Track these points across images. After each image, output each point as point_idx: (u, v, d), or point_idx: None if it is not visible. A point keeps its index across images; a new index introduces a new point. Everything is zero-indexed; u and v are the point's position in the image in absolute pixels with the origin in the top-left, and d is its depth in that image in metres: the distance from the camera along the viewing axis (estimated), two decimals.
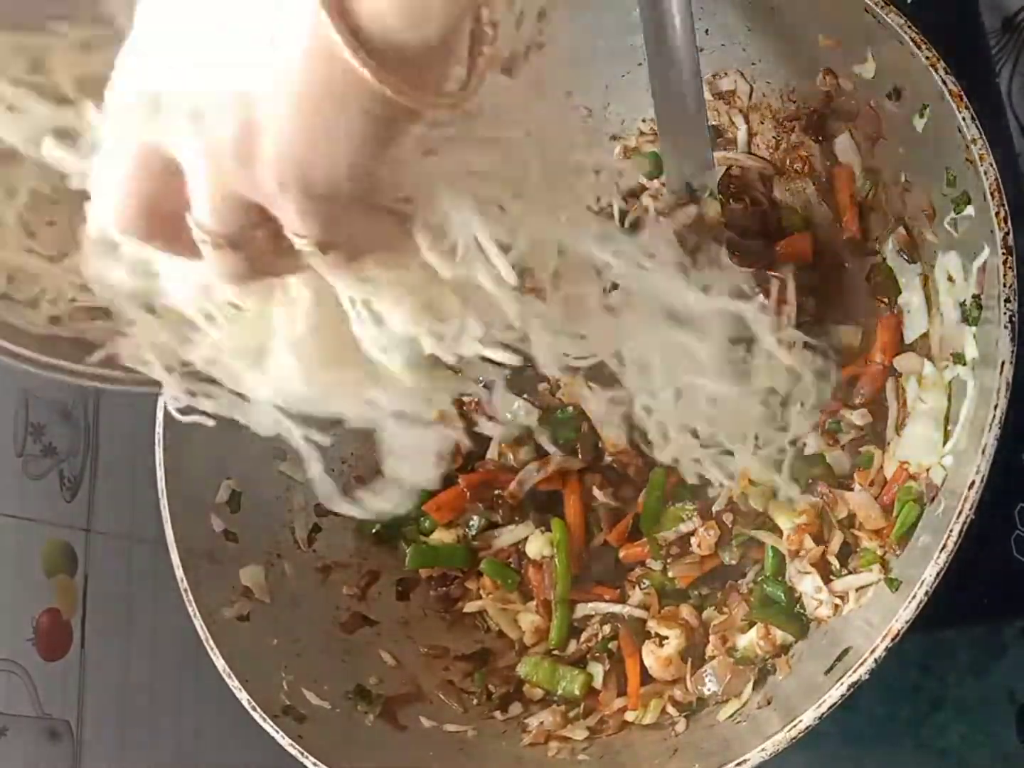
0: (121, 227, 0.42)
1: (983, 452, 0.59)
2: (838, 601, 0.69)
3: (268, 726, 0.70)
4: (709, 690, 0.72)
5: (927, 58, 0.65)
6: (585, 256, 0.49)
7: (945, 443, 0.66)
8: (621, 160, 0.78)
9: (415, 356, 0.48)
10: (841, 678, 0.59)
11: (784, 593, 0.71)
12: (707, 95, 0.81)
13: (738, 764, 0.61)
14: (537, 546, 0.80)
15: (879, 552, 0.68)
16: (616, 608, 0.77)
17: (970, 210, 0.64)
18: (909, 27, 0.66)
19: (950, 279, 0.67)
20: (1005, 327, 0.60)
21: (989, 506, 0.59)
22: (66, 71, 0.48)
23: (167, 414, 0.81)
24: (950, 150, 0.65)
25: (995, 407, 0.59)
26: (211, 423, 0.52)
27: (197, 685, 0.93)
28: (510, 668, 0.79)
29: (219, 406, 0.51)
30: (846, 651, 0.63)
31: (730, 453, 0.62)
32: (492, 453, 0.82)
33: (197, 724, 0.95)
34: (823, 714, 0.59)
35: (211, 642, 0.74)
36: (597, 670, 0.75)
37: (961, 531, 0.59)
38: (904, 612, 0.59)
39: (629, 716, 0.73)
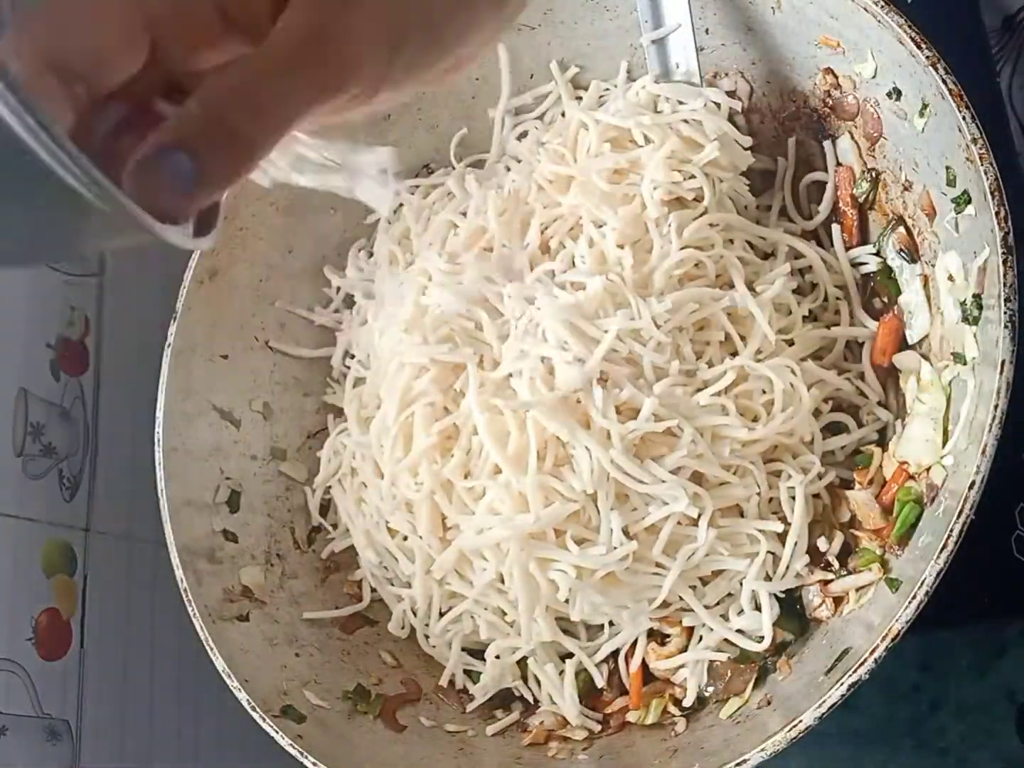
0: None
1: (984, 452, 0.58)
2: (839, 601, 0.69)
3: (268, 726, 0.70)
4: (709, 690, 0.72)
5: (927, 57, 0.65)
6: None
7: (945, 443, 0.66)
8: None
9: None
10: (841, 678, 0.59)
11: (784, 592, 0.71)
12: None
13: (738, 764, 0.61)
14: None
15: (879, 552, 0.68)
16: None
17: (970, 209, 0.64)
18: (909, 26, 0.66)
19: (950, 279, 0.67)
20: (1006, 327, 0.60)
21: (989, 506, 0.59)
22: None
23: (166, 414, 0.81)
24: (950, 149, 0.65)
25: (995, 407, 0.59)
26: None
27: (197, 685, 0.93)
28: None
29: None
30: (846, 651, 0.63)
31: None
32: None
33: (197, 724, 0.95)
34: (823, 714, 0.59)
35: (210, 642, 0.74)
36: (600, 668, 0.75)
37: (961, 531, 0.58)
38: (904, 612, 0.58)
39: (631, 716, 0.73)
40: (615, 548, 0.69)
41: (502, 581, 0.73)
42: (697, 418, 0.70)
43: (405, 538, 0.78)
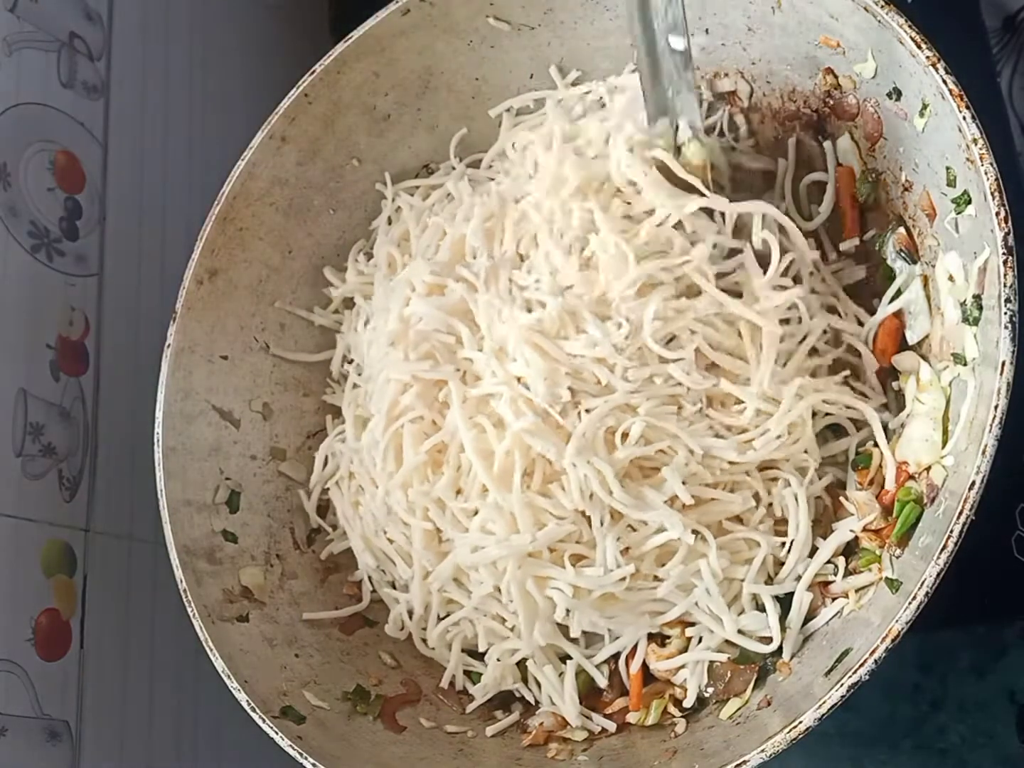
0: None
1: (984, 453, 0.58)
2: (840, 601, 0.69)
3: (267, 727, 0.70)
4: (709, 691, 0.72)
5: (927, 58, 0.65)
6: None
7: (945, 443, 0.66)
8: None
9: None
10: (841, 679, 0.59)
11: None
12: (707, 95, 0.81)
13: (737, 765, 0.60)
14: None
15: (879, 552, 0.68)
16: None
17: (971, 210, 0.64)
18: (909, 27, 0.66)
19: (951, 279, 0.67)
20: (1005, 327, 0.59)
21: (989, 506, 0.59)
22: None
23: (166, 414, 0.81)
24: (951, 150, 0.65)
25: (995, 407, 0.59)
26: None
27: (196, 686, 0.93)
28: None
29: None
30: (846, 652, 0.63)
31: None
32: None
33: (196, 724, 0.95)
34: (823, 715, 0.59)
35: (210, 643, 0.74)
36: (600, 669, 0.75)
37: (961, 532, 0.58)
38: (904, 613, 0.58)
39: (631, 717, 0.73)
40: (611, 570, 0.69)
41: (499, 591, 0.73)
42: (686, 439, 0.69)
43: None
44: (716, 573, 0.69)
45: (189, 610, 0.76)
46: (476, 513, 0.72)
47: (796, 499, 0.71)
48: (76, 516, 0.87)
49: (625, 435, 0.70)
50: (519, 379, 0.71)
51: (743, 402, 0.71)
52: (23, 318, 0.86)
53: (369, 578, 0.83)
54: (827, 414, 0.73)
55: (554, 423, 0.70)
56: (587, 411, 0.70)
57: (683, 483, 0.69)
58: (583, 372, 0.71)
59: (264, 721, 0.70)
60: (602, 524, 0.69)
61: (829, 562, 0.70)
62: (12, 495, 0.82)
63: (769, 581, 0.71)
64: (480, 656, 0.77)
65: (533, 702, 0.76)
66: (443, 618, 0.78)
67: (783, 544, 0.71)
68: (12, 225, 0.86)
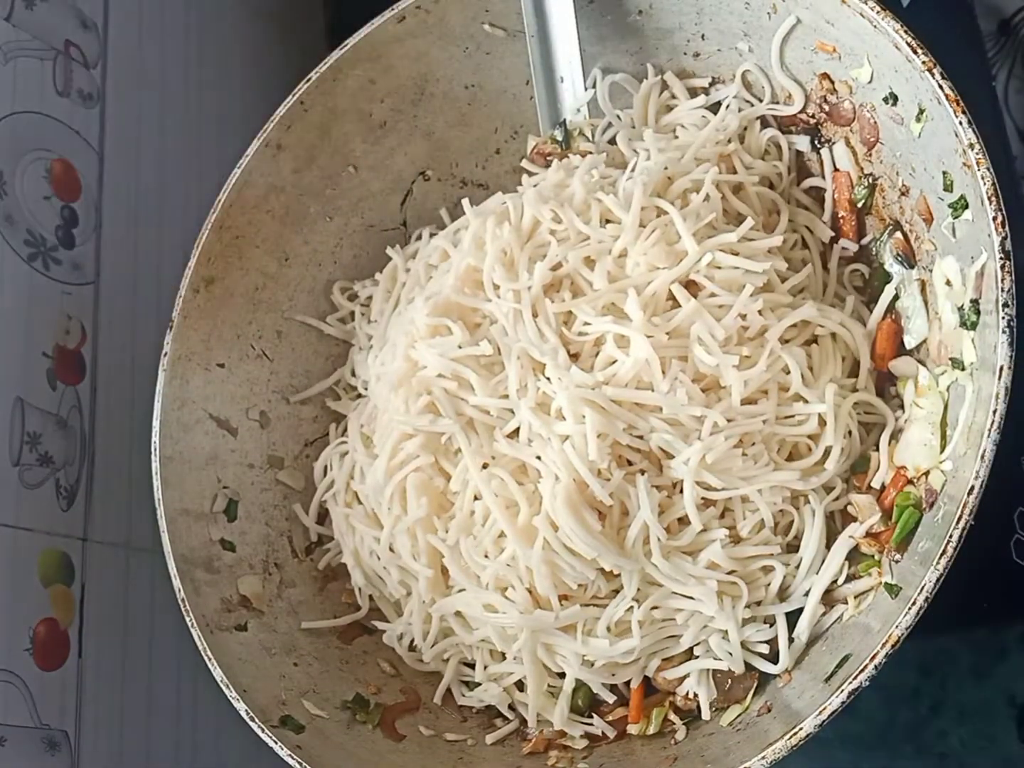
0: None
1: (982, 457, 0.58)
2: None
3: (266, 736, 0.70)
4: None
5: (923, 62, 0.65)
6: None
7: (943, 448, 0.66)
8: None
9: None
10: (841, 685, 0.59)
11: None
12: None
13: None
14: None
15: (878, 557, 0.68)
16: None
17: (968, 215, 0.64)
18: (905, 31, 0.66)
19: (948, 284, 0.67)
20: (1003, 332, 0.59)
21: (989, 510, 0.59)
22: None
23: (163, 423, 0.81)
24: (947, 154, 0.65)
25: (994, 412, 0.59)
26: None
27: (195, 695, 0.93)
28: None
29: None
30: (846, 658, 0.62)
31: None
32: None
33: (195, 734, 0.94)
34: (823, 722, 0.59)
35: (208, 652, 0.74)
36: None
37: (961, 536, 0.58)
38: (904, 619, 0.58)
39: (632, 729, 0.72)
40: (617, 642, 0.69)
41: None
42: (754, 486, 0.69)
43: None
44: (738, 621, 0.68)
45: (188, 619, 0.75)
46: (487, 560, 0.71)
47: (813, 515, 0.70)
48: (74, 525, 0.87)
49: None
50: (564, 438, 0.69)
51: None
52: (20, 327, 0.86)
53: (359, 590, 0.82)
54: None
55: (592, 495, 0.68)
56: (642, 472, 0.69)
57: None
58: (639, 426, 0.68)
59: (263, 730, 0.70)
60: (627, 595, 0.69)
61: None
62: (10, 505, 0.82)
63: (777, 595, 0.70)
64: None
65: (532, 722, 0.75)
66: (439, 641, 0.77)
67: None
68: (8, 234, 0.86)
